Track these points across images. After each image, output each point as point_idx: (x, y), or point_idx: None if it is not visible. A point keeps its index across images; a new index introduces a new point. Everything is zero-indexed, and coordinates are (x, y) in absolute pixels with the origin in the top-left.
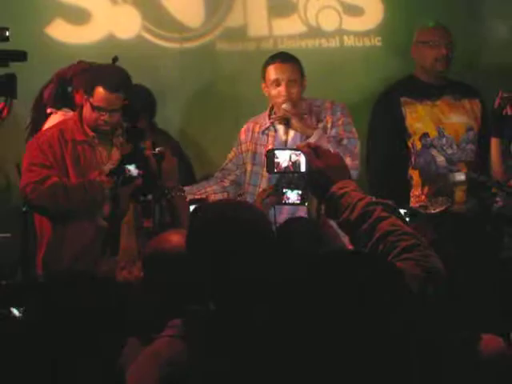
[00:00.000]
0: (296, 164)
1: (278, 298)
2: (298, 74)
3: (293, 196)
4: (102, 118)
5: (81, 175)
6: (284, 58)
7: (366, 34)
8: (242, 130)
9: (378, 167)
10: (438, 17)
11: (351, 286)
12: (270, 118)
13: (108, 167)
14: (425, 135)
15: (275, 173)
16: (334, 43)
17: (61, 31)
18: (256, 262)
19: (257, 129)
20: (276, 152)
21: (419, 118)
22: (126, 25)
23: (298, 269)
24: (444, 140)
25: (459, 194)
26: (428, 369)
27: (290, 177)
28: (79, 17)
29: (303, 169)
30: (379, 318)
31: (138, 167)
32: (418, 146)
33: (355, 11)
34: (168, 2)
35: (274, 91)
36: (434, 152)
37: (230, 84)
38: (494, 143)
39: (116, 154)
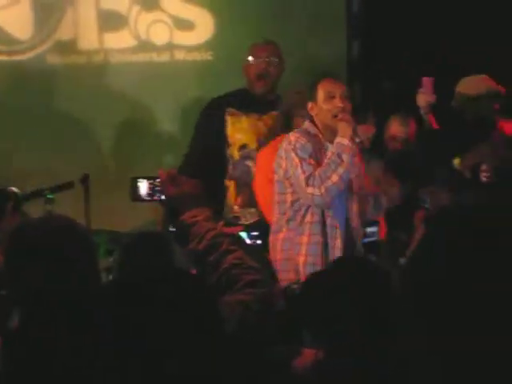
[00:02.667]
0: (158, 191)
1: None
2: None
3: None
4: None
5: None
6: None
7: (197, 48)
8: None
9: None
10: (271, 31)
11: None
12: None
13: None
14: (243, 146)
15: (139, 201)
16: (164, 57)
17: None
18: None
19: None
20: (138, 180)
21: (241, 130)
22: None
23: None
24: None
25: None
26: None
27: None
28: None
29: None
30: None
31: None
32: (236, 156)
33: (186, 26)
34: None
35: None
36: (250, 163)
37: (62, 97)
38: None
39: None
